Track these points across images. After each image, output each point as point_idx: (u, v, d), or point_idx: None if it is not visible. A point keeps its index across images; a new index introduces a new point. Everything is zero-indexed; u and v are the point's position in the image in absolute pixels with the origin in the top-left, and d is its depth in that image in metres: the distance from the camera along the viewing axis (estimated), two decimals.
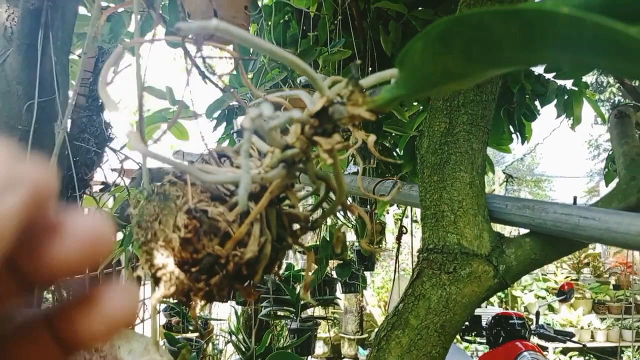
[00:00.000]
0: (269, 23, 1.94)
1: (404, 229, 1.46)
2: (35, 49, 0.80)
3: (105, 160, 1.21)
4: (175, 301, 0.40)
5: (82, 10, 1.39)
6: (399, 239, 1.48)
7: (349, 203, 0.43)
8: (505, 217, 0.83)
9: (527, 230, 0.84)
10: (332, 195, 0.43)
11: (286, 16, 1.97)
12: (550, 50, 0.25)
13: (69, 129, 1.15)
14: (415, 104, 1.91)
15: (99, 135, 1.18)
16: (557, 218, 0.74)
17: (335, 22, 1.73)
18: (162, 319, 2.72)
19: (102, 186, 1.42)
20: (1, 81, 0.87)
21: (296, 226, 0.44)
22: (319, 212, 0.46)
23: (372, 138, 0.47)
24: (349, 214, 2.91)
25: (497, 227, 0.99)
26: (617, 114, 0.96)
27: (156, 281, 0.36)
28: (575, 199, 0.79)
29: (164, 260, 0.36)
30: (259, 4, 1.94)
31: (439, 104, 0.85)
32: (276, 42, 1.85)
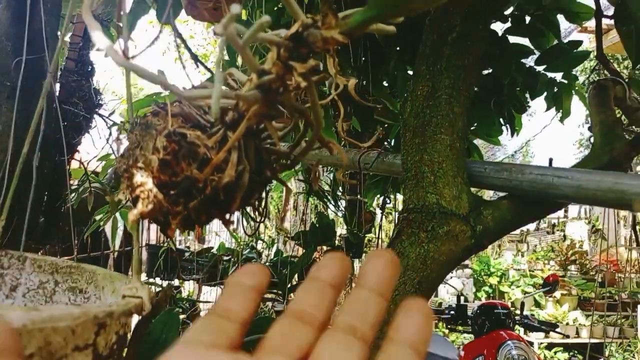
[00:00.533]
0: (261, 10, 1.93)
1: (387, 199, 1.48)
2: (24, 4, 0.79)
3: (94, 126, 1.21)
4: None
5: None
6: (382, 208, 1.50)
7: (327, 139, 0.44)
8: (484, 181, 0.85)
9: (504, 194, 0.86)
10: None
11: (280, 4, 1.96)
12: None
13: (57, 93, 1.15)
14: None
15: (88, 100, 1.18)
16: (533, 179, 0.76)
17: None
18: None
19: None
20: None
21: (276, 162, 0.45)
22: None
23: (352, 82, 0.48)
24: (339, 203, 2.93)
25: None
26: (596, 86, 0.98)
27: (135, 201, 0.37)
28: (550, 160, 0.81)
29: (143, 179, 0.37)
30: None
31: (422, 68, 0.86)
32: (268, 26, 1.84)
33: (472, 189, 0.85)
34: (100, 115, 1.24)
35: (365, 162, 1.20)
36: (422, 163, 0.82)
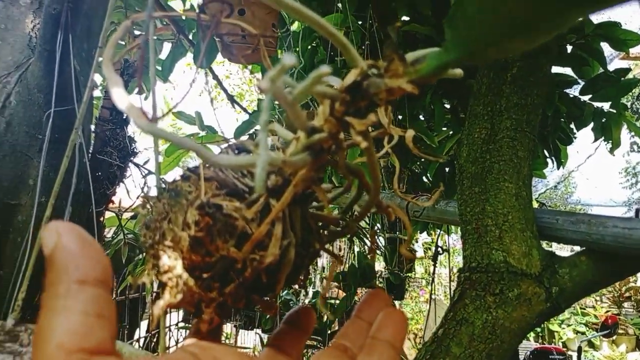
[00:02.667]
0: (297, 49, 1.94)
1: (439, 249, 1.39)
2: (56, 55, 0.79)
3: (128, 175, 1.20)
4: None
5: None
6: (434, 259, 1.40)
7: (385, 203, 0.38)
8: (556, 234, 0.76)
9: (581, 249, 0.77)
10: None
11: (314, 42, 1.97)
12: None
13: (92, 143, 1.14)
14: (444, 128, 1.86)
15: (122, 149, 1.17)
16: (618, 233, 0.67)
17: (363, 47, 1.71)
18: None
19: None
20: (23, 90, 0.86)
21: (325, 230, 0.39)
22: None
23: (410, 133, 0.42)
24: (377, 240, 2.85)
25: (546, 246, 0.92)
26: None
27: (162, 287, 0.32)
28: (637, 211, 0.72)
29: (171, 262, 0.31)
30: (287, 23, 1.94)
31: (478, 109, 0.80)
32: (304, 67, 1.85)
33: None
34: (135, 164, 1.23)
35: (415, 210, 1.13)
36: (485, 215, 0.74)
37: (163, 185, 0.37)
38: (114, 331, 0.23)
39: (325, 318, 2.61)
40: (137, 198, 1.29)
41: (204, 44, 0.32)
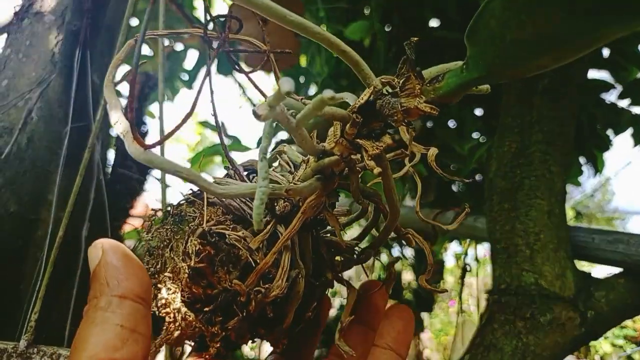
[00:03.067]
0: (321, 57, 1.93)
1: (467, 266, 1.34)
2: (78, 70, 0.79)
3: (148, 189, 1.20)
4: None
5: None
6: (462, 278, 1.36)
7: (404, 230, 0.36)
8: (592, 253, 0.72)
9: (619, 270, 0.72)
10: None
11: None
12: None
13: (112, 157, 1.15)
14: (474, 136, 1.82)
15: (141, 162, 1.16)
16: None
17: (390, 54, 1.69)
18: None
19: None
20: (44, 106, 0.87)
21: (338, 258, 0.37)
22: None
23: (432, 151, 0.40)
24: (405, 249, 2.80)
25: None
26: None
27: (161, 322, 0.30)
28: None
29: (170, 295, 0.29)
30: None
31: (508, 120, 0.77)
32: (329, 74, 1.84)
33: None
34: (156, 178, 1.23)
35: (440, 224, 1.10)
36: (515, 234, 0.70)
37: (169, 209, 0.35)
38: (148, 346, 0.24)
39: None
40: (144, 222, 1.27)
41: (210, 61, 0.30)
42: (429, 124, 2.14)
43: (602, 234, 0.72)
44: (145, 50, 1.51)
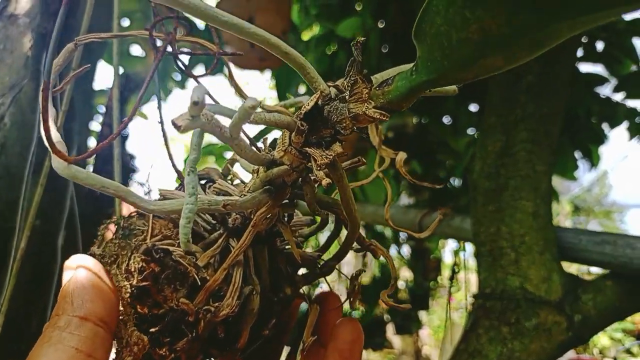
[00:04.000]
0: (310, 55, 1.91)
1: (456, 267, 1.33)
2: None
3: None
4: None
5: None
6: (451, 279, 1.34)
7: (367, 241, 0.34)
8: (579, 255, 0.71)
9: (606, 272, 0.71)
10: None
11: (333, 47, 1.95)
12: None
13: (93, 161, 1.13)
14: (470, 132, 1.81)
15: (123, 167, 1.15)
16: None
17: (384, 50, 1.68)
18: None
19: None
20: (17, 111, 0.85)
21: (301, 271, 0.35)
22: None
23: (401, 156, 0.38)
24: (401, 247, 2.79)
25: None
26: None
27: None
28: None
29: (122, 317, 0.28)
30: (299, 28, 1.92)
31: (492, 119, 0.75)
32: (323, 73, 1.82)
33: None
34: (137, 182, 1.21)
35: (428, 226, 1.08)
36: (499, 236, 0.69)
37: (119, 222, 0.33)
38: None
39: None
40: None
41: (156, 62, 0.28)
42: (424, 120, 2.13)
43: (589, 234, 0.71)
44: (137, 51, 1.49)
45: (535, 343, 0.63)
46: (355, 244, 0.32)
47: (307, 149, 0.25)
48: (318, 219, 0.34)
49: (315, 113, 0.24)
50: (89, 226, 1.01)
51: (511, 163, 0.72)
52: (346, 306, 0.34)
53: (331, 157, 0.24)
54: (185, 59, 0.38)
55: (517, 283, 0.66)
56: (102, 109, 1.32)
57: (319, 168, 0.24)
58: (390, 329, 3.04)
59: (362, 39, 0.23)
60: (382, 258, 0.34)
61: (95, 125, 1.30)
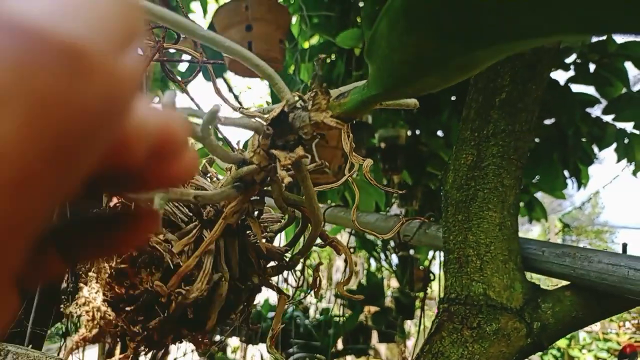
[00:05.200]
0: (311, 63, 1.94)
1: (431, 275, 1.36)
2: None
3: None
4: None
5: None
6: (424, 288, 1.38)
7: (330, 237, 0.37)
8: (541, 266, 0.75)
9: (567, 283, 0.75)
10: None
11: (332, 55, 1.98)
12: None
13: None
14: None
15: None
16: (603, 269, 0.65)
17: None
18: None
19: None
20: None
21: (269, 263, 0.38)
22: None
23: (367, 162, 0.41)
24: (390, 256, 2.82)
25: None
26: None
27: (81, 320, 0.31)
28: (624, 246, 0.70)
29: (91, 294, 0.31)
30: (297, 38, 1.95)
31: (466, 134, 0.79)
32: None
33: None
34: None
35: (405, 234, 1.12)
36: (467, 245, 0.73)
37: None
38: None
39: (331, 336, 2.58)
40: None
41: (147, 67, 0.31)
42: (417, 132, 2.17)
43: (551, 247, 0.75)
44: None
45: (495, 347, 0.67)
46: (318, 240, 0.36)
47: (273, 150, 0.28)
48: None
49: (282, 119, 0.27)
50: None
51: (481, 176, 0.76)
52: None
53: (294, 158, 0.27)
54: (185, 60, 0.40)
55: (481, 290, 0.69)
56: None
57: (282, 168, 0.27)
58: (375, 337, 3.06)
59: (324, 56, 0.26)
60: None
61: None
